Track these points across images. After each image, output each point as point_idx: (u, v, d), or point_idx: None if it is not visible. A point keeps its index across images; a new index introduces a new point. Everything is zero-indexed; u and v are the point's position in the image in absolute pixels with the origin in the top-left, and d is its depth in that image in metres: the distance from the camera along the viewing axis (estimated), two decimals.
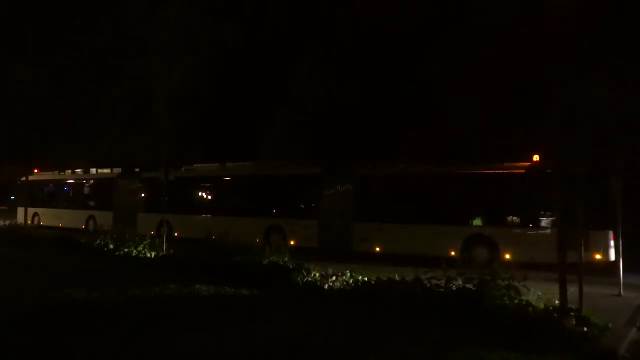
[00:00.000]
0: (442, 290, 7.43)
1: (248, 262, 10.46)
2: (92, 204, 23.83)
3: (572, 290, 7.24)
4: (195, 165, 19.70)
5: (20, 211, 25.37)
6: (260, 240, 15.15)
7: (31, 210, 24.88)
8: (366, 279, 8.67)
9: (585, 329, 6.44)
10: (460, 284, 7.34)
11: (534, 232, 12.96)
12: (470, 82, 10.89)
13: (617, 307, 8.60)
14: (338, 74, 12.08)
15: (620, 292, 9.65)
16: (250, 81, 13.86)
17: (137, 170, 19.30)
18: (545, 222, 12.92)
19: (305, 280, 9.23)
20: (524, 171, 13.32)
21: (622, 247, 9.92)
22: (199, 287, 9.14)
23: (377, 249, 14.92)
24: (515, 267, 7.46)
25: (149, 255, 13.01)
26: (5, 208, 32.59)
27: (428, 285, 7.66)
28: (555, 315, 6.64)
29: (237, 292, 8.94)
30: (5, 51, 14.37)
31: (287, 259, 10.36)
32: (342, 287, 8.68)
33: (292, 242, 15.90)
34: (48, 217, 25.35)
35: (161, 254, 12.96)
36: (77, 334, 5.74)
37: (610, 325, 6.90)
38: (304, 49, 12.42)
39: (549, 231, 12.53)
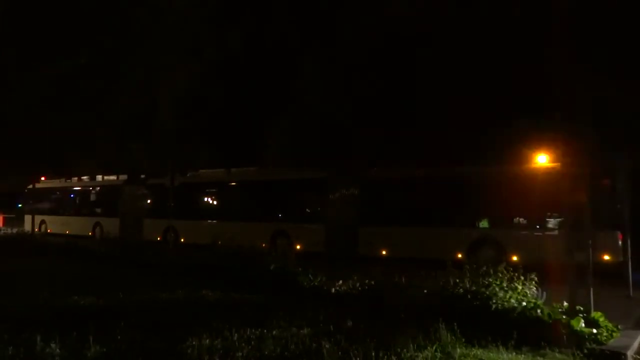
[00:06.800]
0: (449, 292, 7.39)
1: (254, 267, 10.46)
2: (98, 210, 23.94)
3: (581, 292, 7.20)
4: (201, 171, 19.75)
5: (27, 219, 25.54)
6: (267, 245, 15.16)
7: (38, 218, 25.03)
8: (373, 282, 8.64)
9: (594, 330, 6.39)
10: (467, 286, 7.31)
11: (540, 233, 12.89)
12: (477, 82, 10.87)
13: (626, 307, 8.54)
14: (343, 78, 12.08)
15: (629, 293, 9.58)
16: (255, 85, 13.89)
17: (142, 176, 19.38)
18: (552, 223, 12.85)
19: (312, 284, 9.22)
20: (530, 172, 13.26)
21: (631, 247, 9.86)
22: (205, 292, 9.14)
23: (384, 253, 14.88)
24: (522, 268, 7.43)
25: (155, 261, 13.02)
26: (13, 216, 32.77)
27: (435, 288, 7.64)
28: (564, 316, 6.60)
29: (244, 297, 8.93)
30: (10, 60, 14.47)
31: (293, 263, 10.36)
32: (348, 290, 8.66)
33: (298, 247, 15.90)
34: (55, 224, 25.47)
35: (168, 260, 12.97)
36: (83, 339, 5.74)
37: (619, 326, 6.85)
38: (309, 52, 12.43)
39: (556, 232, 12.47)
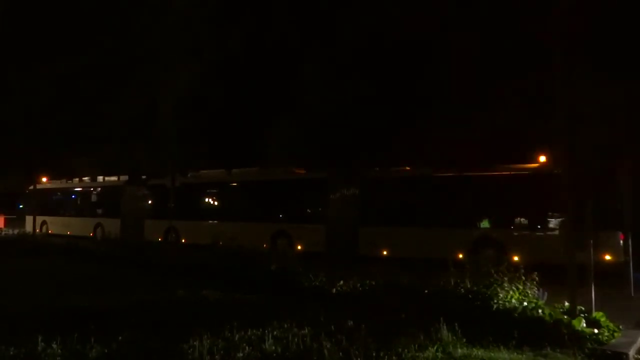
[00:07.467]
0: (450, 292, 7.39)
1: (255, 267, 10.46)
2: (99, 211, 23.95)
3: (582, 292, 7.19)
4: (202, 171, 19.76)
5: (29, 219, 25.53)
6: (267, 245, 15.17)
7: (39, 219, 25.02)
8: (373, 282, 8.63)
9: (596, 330, 6.39)
10: (468, 286, 7.30)
11: (541, 234, 12.88)
12: (477, 83, 10.86)
13: (628, 308, 8.53)
14: (344, 78, 12.08)
15: (630, 293, 9.57)
16: (255, 85, 13.88)
17: (143, 177, 19.40)
18: (553, 223, 12.85)
19: (313, 284, 9.21)
20: (530, 172, 13.25)
21: (632, 247, 9.86)
22: (206, 292, 9.14)
23: (384, 253, 14.87)
24: (523, 268, 7.42)
25: (156, 261, 13.02)
26: (14, 216, 32.81)
27: (436, 288, 7.63)
28: (565, 316, 6.58)
29: (245, 297, 8.93)
30: (10, 60, 14.48)
31: (294, 263, 10.36)
32: (349, 290, 8.65)
33: (299, 247, 15.90)
34: (56, 225, 25.48)
35: (169, 260, 12.96)
36: (84, 340, 5.74)
37: (621, 326, 6.84)
38: (309, 52, 12.43)
39: (557, 232, 12.46)
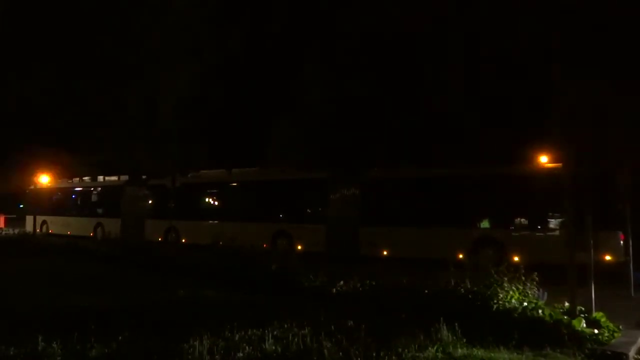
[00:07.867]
0: (450, 293, 7.39)
1: (255, 267, 10.46)
2: (99, 211, 23.95)
3: (582, 292, 7.19)
4: (202, 171, 19.77)
5: (29, 219, 25.56)
6: (267, 245, 15.17)
7: (39, 218, 25.04)
8: (373, 282, 8.63)
9: (596, 331, 6.38)
10: (469, 286, 7.30)
11: (542, 234, 12.89)
12: (476, 83, 10.87)
13: (628, 308, 8.52)
14: (344, 77, 12.09)
15: (631, 293, 9.57)
16: (256, 86, 13.89)
17: (144, 177, 19.42)
18: (553, 223, 12.86)
19: (313, 284, 9.21)
20: (531, 172, 13.25)
21: (632, 247, 9.86)
22: (206, 292, 9.15)
23: (385, 253, 14.87)
24: (523, 268, 7.41)
25: (156, 261, 13.01)
26: (14, 216, 32.82)
27: (436, 288, 7.63)
28: (565, 317, 6.58)
29: (245, 297, 8.93)
30: (11, 61, 14.49)
31: (294, 263, 10.36)
32: (350, 290, 8.65)
33: (299, 247, 15.90)
34: (56, 224, 25.49)
35: (169, 260, 12.96)
36: (84, 339, 5.74)
37: (621, 326, 6.84)
38: (309, 52, 12.44)
39: (557, 232, 12.47)
